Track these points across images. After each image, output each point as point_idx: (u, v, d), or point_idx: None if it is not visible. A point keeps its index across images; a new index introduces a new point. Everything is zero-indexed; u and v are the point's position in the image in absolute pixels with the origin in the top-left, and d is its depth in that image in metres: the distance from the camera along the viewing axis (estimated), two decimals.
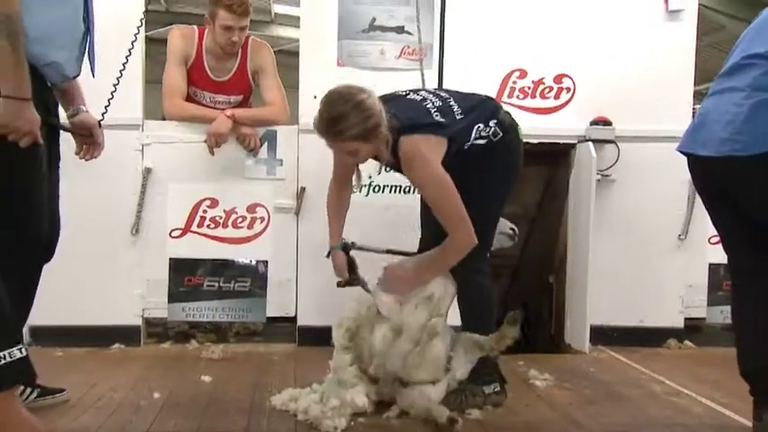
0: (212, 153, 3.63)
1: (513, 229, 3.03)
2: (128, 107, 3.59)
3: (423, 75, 3.69)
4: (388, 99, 2.77)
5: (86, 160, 2.73)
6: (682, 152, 2.65)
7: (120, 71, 2.77)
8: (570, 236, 3.96)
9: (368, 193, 3.79)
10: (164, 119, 3.78)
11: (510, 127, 2.86)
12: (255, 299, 3.76)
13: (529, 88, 3.90)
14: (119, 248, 3.68)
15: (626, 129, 3.84)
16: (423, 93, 2.87)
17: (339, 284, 2.99)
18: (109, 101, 2.84)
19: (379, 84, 3.57)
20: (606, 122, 3.84)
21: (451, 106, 2.77)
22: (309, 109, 3.77)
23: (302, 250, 3.79)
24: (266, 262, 3.78)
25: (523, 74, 3.89)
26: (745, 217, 2.51)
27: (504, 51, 3.87)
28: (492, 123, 2.80)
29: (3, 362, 1.98)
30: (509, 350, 2.72)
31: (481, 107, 2.85)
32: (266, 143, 3.75)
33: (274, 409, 2.71)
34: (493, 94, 3.80)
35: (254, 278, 3.77)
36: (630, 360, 3.60)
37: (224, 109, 3.79)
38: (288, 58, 7.40)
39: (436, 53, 3.83)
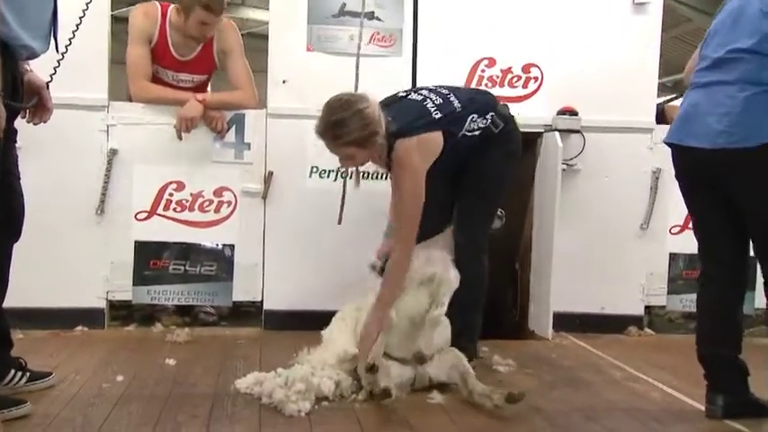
0: (180, 138, 3.59)
1: (501, 211, 3.20)
2: (93, 88, 3.54)
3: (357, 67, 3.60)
4: (388, 102, 2.94)
5: (35, 125, 2.63)
6: (669, 144, 2.67)
7: (66, 47, 2.67)
8: (535, 224, 3.99)
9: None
10: (131, 100, 3.73)
11: (509, 118, 3.11)
12: (221, 283, 3.74)
13: (497, 77, 3.91)
14: (83, 230, 3.63)
15: (592, 119, 3.87)
16: (423, 92, 3.02)
17: (372, 266, 3.06)
18: (55, 70, 2.72)
19: (348, 70, 3.61)
20: (573, 112, 3.87)
21: (452, 101, 2.97)
22: (278, 93, 3.77)
23: (269, 235, 3.77)
24: (233, 246, 3.75)
25: (492, 62, 3.90)
26: (730, 209, 2.55)
27: (473, 40, 3.87)
28: (489, 116, 3.01)
29: None
30: None
31: (479, 100, 3.08)
32: (234, 127, 3.72)
33: (239, 393, 2.70)
34: (461, 83, 3.82)
35: (220, 262, 3.74)
36: (592, 346, 3.65)
37: (187, 88, 3.77)
38: (257, 41, 7.33)
39: (407, 41, 3.82)
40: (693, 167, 2.61)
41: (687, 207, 2.75)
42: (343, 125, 2.71)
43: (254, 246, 3.77)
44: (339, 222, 3.61)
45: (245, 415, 2.52)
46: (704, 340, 2.64)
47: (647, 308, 4.06)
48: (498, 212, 3.19)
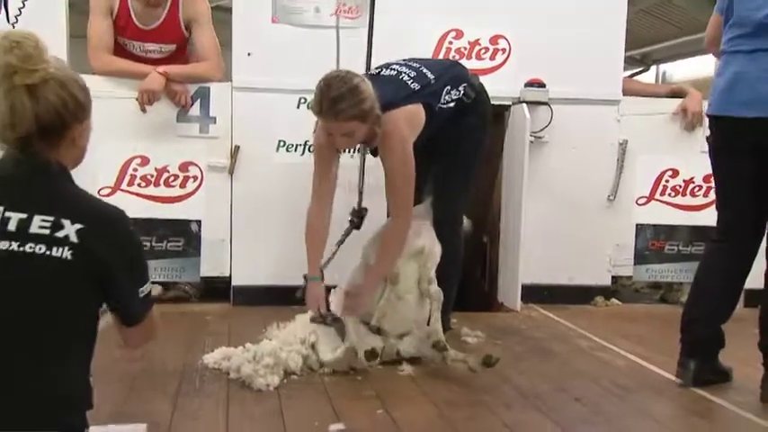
0: (144, 110, 3.52)
1: (468, 221, 3.31)
2: None
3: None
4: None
5: None
6: (716, 116, 2.60)
7: (16, 16, 2.58)
8: (504, 196, 4.00)
9: (303, 152, 3.73)
10: (94, 74, 3.64)
11: (480, 88, 3.14)
12: (189, 259, 3.70)
13: (465, 49, 3.88)
14: None
15: (559, 91, 3.87)
16: (395, 66, 3.01)
17: (314, 320, 2.83)
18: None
19: (314, 42, 3.56)
20: (540, 84, 3.85)
21: (425, 73, 2.97)
22: (243, 66, 3.71)
23: (236, 210, 3.73)
24: (199, 222, 3.71)
25: (459, 34, 3.87)
26: (764, 182, 2.53)
27: (440, 11, 3.84)
28: (462, 87, 3.03)
29: None
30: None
31: (451, 71, 3.09)
32: (199, 101, 3.65)
33: (206, 368, 2.69)
34: (428, 55, 3.79)
35: (187, 238, 3.69)
36: (560, 317, 3.68)
37: (156, 59, 3.68)
38: (221, 13, 7.20)
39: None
40: (740, 137, 2.55)
41: (720, 179, 2.68)
42: (343, 100, 2.66)
43: (221, 221, 3.73)
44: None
45: (212, 390, 2.50)
46: (698, 308, 2.64)
47: (614, 278, 4.10)
48: (465, 222, 3.25)
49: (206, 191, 3.71)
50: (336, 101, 2.66)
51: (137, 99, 3.50)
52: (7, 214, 1.49)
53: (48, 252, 1.47)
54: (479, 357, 2.65)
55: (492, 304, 4.01)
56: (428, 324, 2.83)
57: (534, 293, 3.90)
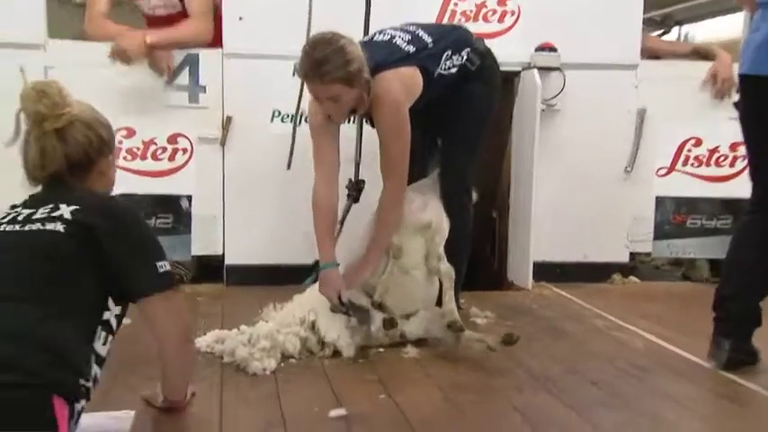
0: (128, 63, 3.43)
1: (475, 191, 3.22)
2: (28, 25, 3.40)
3: None
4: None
5: None
6: (748, 76, 2.52)
7: None
8: (513, 169, 3.97)
9: (300, 123, 3.68)
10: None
11: (486, 53, 3.09)
12: (179, 236, 3.67)
13: (471, 11, 3.82)
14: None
15: (572, 55, 3.81)
16: (389, 31, 2.98)
17: (334, 310, 2.74)
18: None
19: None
20: (552, 49, 3.80)
21: (421, 37, 2.93)
22: (234, 31, 3.66)
23: (229, 184, 3.70)
24: (190, 197, 3.68)
25: None
26: None
27: None
28: (465, 52, 2.99)
29: None
30: None
31: (452, 35, 3.04)
32: (187, 68, 3.61)
33: (199, 352, 2.65)
34: (433, 18, 3.74)
35: (176, 214, 3.67)
36: (573, 296, 3.66)
37: (162, 16, 3.70)
38: None
39: None
40: None
41: (753, 145, 2.61)
42: (328, 61, 2.63)
43: (213, 196, 3.70)
44: (288, 167, 3.54)
45: (205, 374, 2.48)
46: (730, 284, 2.60)
47: (632, 255, 4.07)
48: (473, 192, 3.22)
49: (196, 164, 3.67)
50: (321, 63, 2.63)
51: (111, 57, 3.43)
52: (20, 210, 1.81)
53: (42, 227, 1.74)
54: (499, 336, 2.65)
55: (502, 283, 3.99)
56: (440, 304, 2.82)
57: (546, 271, 3.87)
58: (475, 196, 3.20)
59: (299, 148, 3.53)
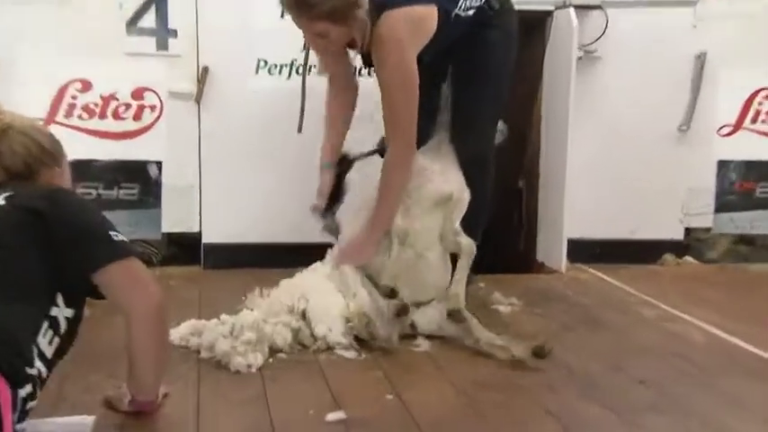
0: None
1: (503, 124, 3.29)
2: None
3: None
4: None
5: None
6: None
7: None
8: (544, 129, 3.98)
9: (290, 74, 3.71)
10: None
11: None
12: (147, 210, 3.71)
13: None
14: None
15: None
16: None
17: (313, 209, 3.05)
18: None
19: None
20: None
21: None
22: None
23: (206, 148, 3.72)
24: (159, 163, 3.71)
25: None
26: None
27: None
28: None
29: None
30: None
31: None
32: (154, 7, 3.61)
33: (172, 346, 2.68)
34: None
35: (143, 184, 3.70)
36: (616, 280, 3.68)
37: None
38: None
39: None
40: None
41: None
42: None
43: (188, 163, 3.73)
44: (299, 130, 3.54)
45: (180, 372, 2.49)
46: None
47: (688, 230, 4.09)
48: (499, 125, 3.25)
49: (167, 124, 3.69)
50: None
51: None
52: None
53: None
54: (529, 346, 2.60)
55: (530, 264, 4.02)
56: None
57: (584, 251, 3.90)
58: (503, 128, 3.23)
59: (290, 105, 3.54)
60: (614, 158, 3.95)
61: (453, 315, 2.76)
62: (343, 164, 3.11)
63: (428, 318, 2.86)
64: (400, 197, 2.87)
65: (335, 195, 3.08)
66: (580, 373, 2.57)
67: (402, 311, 2.74)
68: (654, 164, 3.97)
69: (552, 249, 3.87)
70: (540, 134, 4.00)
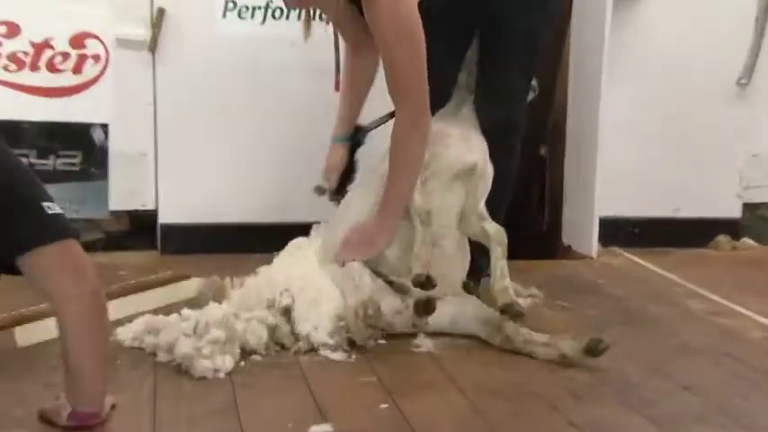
0: None
1: (536, 82, 3.32)
2: None
3: None
4: None
5: None
6: None
7: None
8: (571, 87, 3.99)
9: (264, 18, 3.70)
10: None
11: None
12: (91, 183, 3.72)
13: None
14: None
15: None
16: None
17: (318, 191, 3.10)
18: None
19: None
20: None
21: None
22: None
23: (162, 108, 3.72)
24: (105, 126, 3.71)
25: None
26: None
27: None
28: None
29: None
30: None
31: None
32: None
33: (121, 347, 2.69)
34: None
35: (86, 151, 3.71)
36: (658, 266, 3.71)
37: None
38: None
39: None
40: None
41: None
42: None
43: (140, 125, 3.73)
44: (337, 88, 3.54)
45: (132, 379, 2.50)
46: None
47: (747, 207, 4.11)
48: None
49: (114, 79, 3.69)
50: None
51: None
52: None
53: None
54: (581, 342, 2.61)
55: (554, 248, 4.05)
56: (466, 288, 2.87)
57: (618, 232, 3.93)
58: (534, 86, 3.26)
59: (266, 56, 3.54)
60: (657, 118, 3.95)
61: (508, 310, 2.75)
62: (356, 135, 3.13)
63: (439, 314, 2.83)
64: (416, 173, 2.85)
65: (347, 173, 3.12)
66: (614, 378, 2.58)
67: (428, 309, 2.73)
68: (706, 126, 3.99)
69: (581, 230, 3.90)
70: (566, 89, 4.01)
